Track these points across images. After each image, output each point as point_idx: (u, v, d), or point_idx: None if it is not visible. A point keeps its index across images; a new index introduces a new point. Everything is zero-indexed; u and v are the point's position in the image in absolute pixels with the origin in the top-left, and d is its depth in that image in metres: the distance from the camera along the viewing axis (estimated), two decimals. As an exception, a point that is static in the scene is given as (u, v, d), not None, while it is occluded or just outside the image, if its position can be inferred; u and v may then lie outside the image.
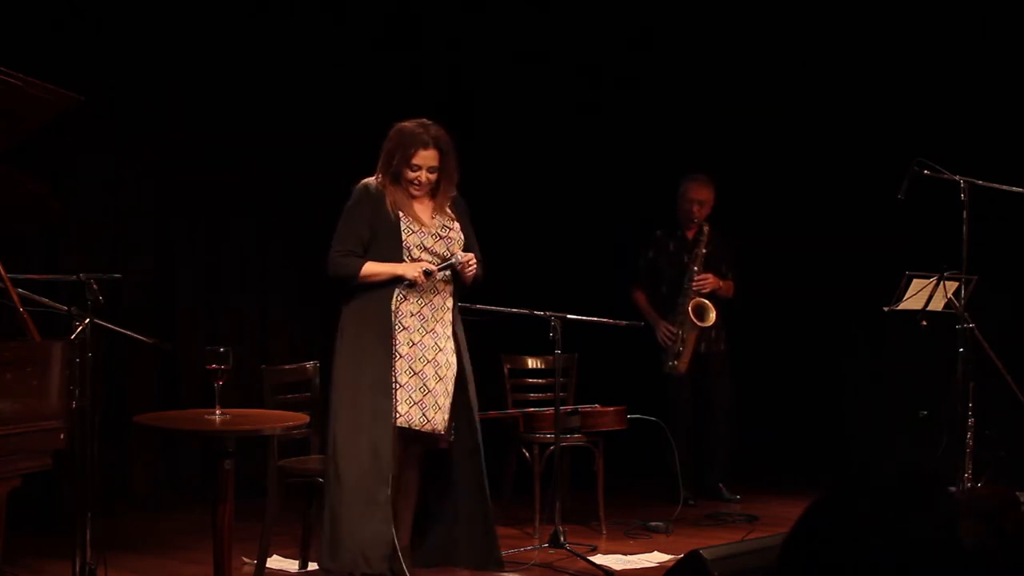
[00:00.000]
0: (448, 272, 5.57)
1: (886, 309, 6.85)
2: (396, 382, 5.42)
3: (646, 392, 7.42)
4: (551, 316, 6.15)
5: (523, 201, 8.86)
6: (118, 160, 7.33)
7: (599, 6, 8.95)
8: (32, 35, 6.76)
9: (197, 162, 7.63)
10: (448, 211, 5.65)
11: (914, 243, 7.52)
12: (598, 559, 6.10)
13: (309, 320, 7.94)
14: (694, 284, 7.62)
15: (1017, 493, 3.73)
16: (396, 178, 5.53)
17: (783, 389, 8.45)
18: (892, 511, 1.89)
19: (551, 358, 6.52)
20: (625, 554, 6.26)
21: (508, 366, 7.33)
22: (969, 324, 6.69)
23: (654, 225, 7.89)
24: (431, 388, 5.45)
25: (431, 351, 5.47)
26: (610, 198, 9.14)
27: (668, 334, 7.65)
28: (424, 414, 5.45)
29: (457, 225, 5.65)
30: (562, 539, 6.13)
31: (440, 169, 5.54)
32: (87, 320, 5.07)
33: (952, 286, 6.78)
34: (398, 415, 5.41)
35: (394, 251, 5.49)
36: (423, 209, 5.59)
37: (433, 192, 5.60)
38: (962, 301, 6.74)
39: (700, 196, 7.72)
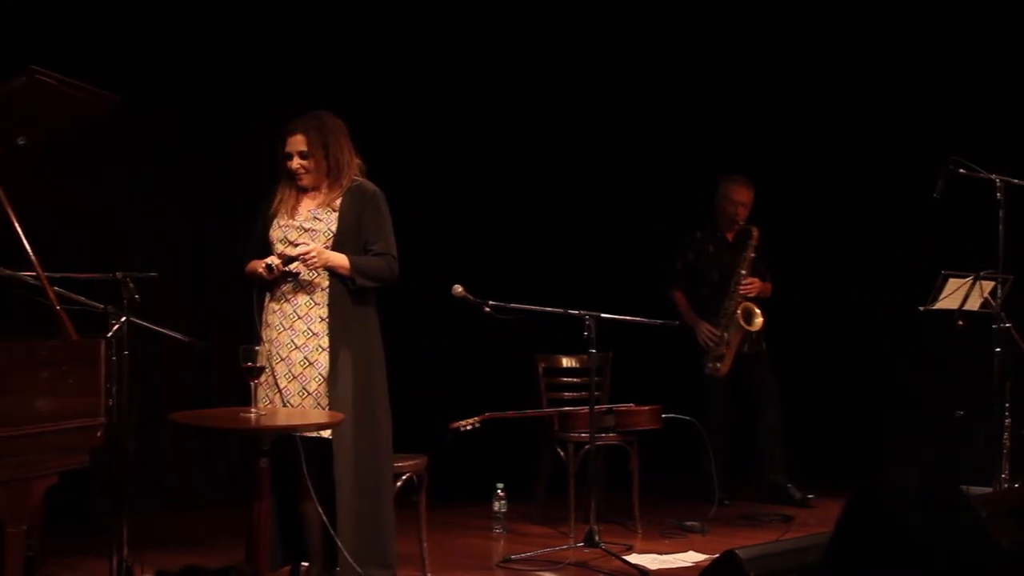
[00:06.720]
0: (297, 266, 5.21)
1: (922, 309, 6.82)
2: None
3: (681, 391, 7.39)
4: (585, 315, 6.13)
5: (558, 200, 8.86)
6: (155, 159, 7.36)
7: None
8: (69, 39, 6.79)
9: (233, 161, 7.65)
10: (337, 202, 5.33)
11: (950, 242, 7.48)
12: (633, 558, 6.08)
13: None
14: (741, 288, 7.59)
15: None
16: (286, 173, 5.40)
17: (819, 389, 8.40)
18: (917, 514, 1.89)
19: (585, 357, 6.50)
20: (660, 554, 6.25)
21: (543, 365, 7.33)
22: (1005, 324, 6.65)
23: (692, 225, 7.87)
24: (282, 387, 5.23)
25: (285, 348, 5.24)
26: (646, 197, 9.13)
27: (711, 336, 7.61)
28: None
29: (333, 216, 5.31)
30: (597, 538, 6.12)
31: (310, 154, 5.30)
32: (123, 318, 5.10)
33: (988, 285, 6.75)
34: None
35: (265, 247, 5.36)
36: (309, 202, 5.38)
37: (329, 183, 5.35)
38: (998, 301, 6.71)
39: (742, 198, 7.68)
